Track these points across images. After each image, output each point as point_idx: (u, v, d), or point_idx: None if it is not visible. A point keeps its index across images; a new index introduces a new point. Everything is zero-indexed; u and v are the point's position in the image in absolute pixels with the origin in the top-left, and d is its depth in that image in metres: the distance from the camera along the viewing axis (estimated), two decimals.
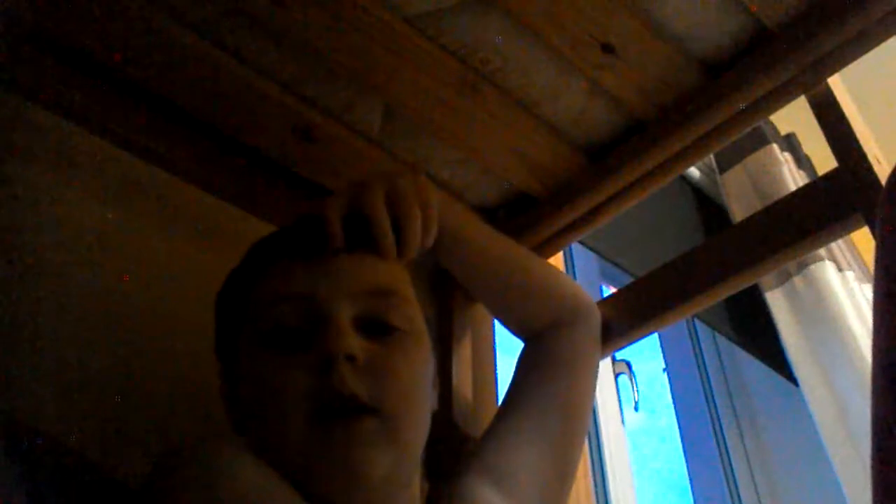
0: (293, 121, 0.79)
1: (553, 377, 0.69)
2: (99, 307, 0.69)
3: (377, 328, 0.56)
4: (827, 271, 1.47)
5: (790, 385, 1.52)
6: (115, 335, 0.69)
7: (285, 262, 0.58)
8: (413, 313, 0.58)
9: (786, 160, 1.63)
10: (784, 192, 1.30)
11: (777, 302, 1.49)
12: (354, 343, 0.53)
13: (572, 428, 0.68)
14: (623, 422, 1.47)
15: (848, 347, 1.37)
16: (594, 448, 1.38)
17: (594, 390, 0.73)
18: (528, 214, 0.90)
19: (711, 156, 1.69)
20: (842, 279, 1.49)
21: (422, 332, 0.59)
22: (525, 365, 0.72)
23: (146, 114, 0.77)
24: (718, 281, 0.72)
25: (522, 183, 0.88)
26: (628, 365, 1.53)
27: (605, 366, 1.51)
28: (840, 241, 1.56)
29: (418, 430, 0.56)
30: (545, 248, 0.90)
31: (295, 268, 0.57)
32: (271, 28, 0.71)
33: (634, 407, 1.49)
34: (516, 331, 0.76)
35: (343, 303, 0.55)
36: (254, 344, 0.56)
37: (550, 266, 0.80)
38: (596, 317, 0.75)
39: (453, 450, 0.76)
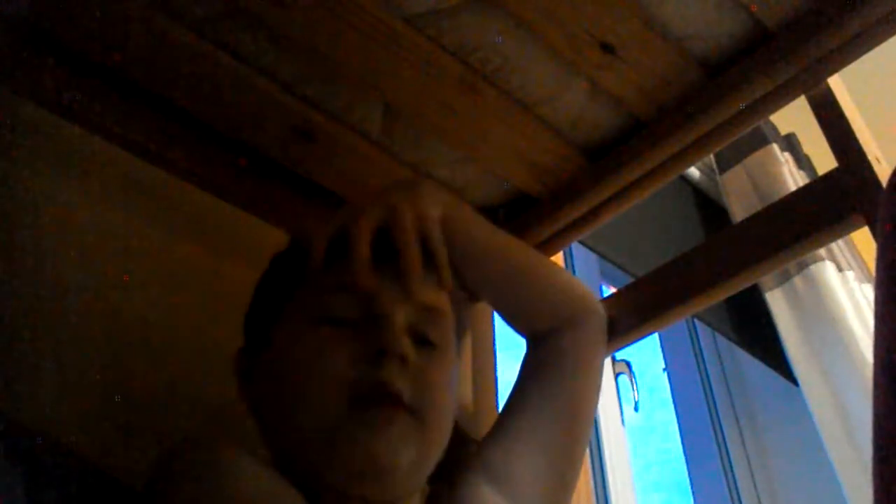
0: (293, 121, 0.79)
1: (557, 378, 0.69)
2: (99, 307, 0.69)
3: (421, 340, 0.59)
4: (827, 271, 1.47)
5: (790, 385, 1.52)
6: (115, 335, 0.69)
7: (350, 257, 0.59)
8: (449, 332, 0.62)
9: (786, 160, 1.63)
10: (784, 192, 1.30)
11: (777, 302, 1.49)
12: (408, 346, 0.56)
13: (575, 430, 0.68)
14: (623, 422, 1.47)
15: (848, 347, 1.37)
16: (594, 448, 1.38)
17: (598, 393, 0.73)
18: (528, 214, 0.90)
19: (711, 156, 1.69)
20: (842, 279, 1.49)
21: (452, 348, 0.62)
22: (529, 366, 0.72)
23: (146, 114, 0.77)
24: (718, 281, 0.72)
25: (522, 183, 0.88)
26: (628, 365, 1.53)
27: (605, 366, 1.51)
28: (840, 241, 1.56)
29: (442, 436, 0.58)
30: (545, 248, 0.90)
31: (363, 268, 0.58)
32: (271, 28, 0.71)
33: (634, 407, 1.49)
34: (521, 330, 0.76)
35: (401, 308, 0.58)
36: (302, 325, 0.57)
37: (556, 265, 0.80)
38: (601, 318, 0.75)
39: (453, 450, 0.76)
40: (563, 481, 0.66)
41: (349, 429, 0.52)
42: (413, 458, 0.53)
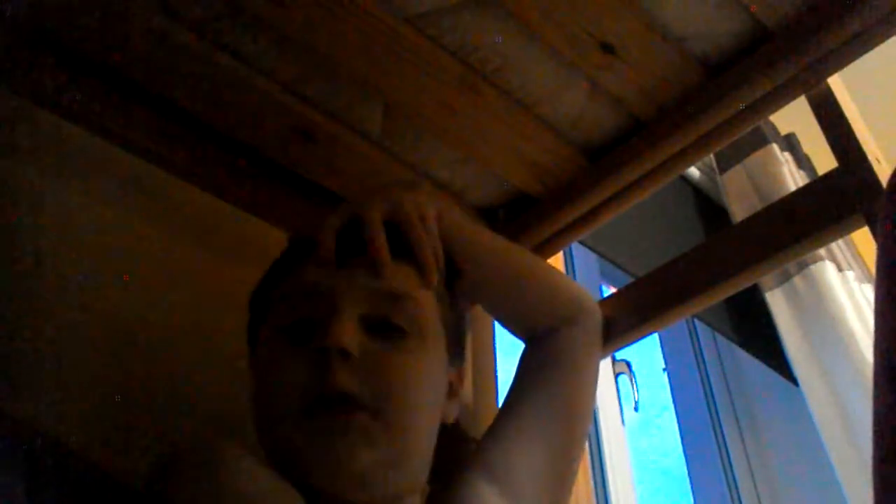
0: (293, 121, 0.79)
1: (554, 378, 0.69)
2: (99, 307, 0.69)
3: (385, 329, 0.57)
4: (827, 271, 1.47)
5: (790, 385, 1.52)
6: (114, 335, 0.69)
7: (310, 262, 0.59)
8: (424, 318, 0.59)
9: (786, 160, 1.63)
10: (784, 192, 1.30)
11: (777, 302, 1.49)
12: (351, 338, 0.54)
13: (573, 429, 0.68)
14: (623, 422, 1.47)
15: (848, 347, 1.37)
16: (594, 448, 1.38)
17: (594, 391, 0.73)
18: (528, 214, 0.90)
19: (711, 156, 1.69)
20: (842, 279, 1.49)
21: (431, 339, 0.59)
22: (526, 366, 0.72)
23: (146, 114, 0.77)
24: (718, 281, 0.72)
25: (522, 183, 0.88)
26: (628, 365, 1.53)
27: (605, 366, 1.51)
28: (840, 241, 1.56)
29: (418, 433, 0.56)
30: (545, 248, 0.90)
31: (318, 268, 0.58)
32: (271, 28, 0.71)
33: (634, 407, 1.49)
34: (517, 332, 0.76)
35: (352, 300, 0.56)
36: (270, 336, 0.58)
37: (551, 267, 0.80)
38: (597, 317, 0.75)
39: (453, 450, 0.76)
40: (562, 480, 0.66)
41: (306, 439, 0.52)
42: (379, 458, 0.52)
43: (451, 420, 0.62)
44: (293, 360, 0.54)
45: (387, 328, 0.57)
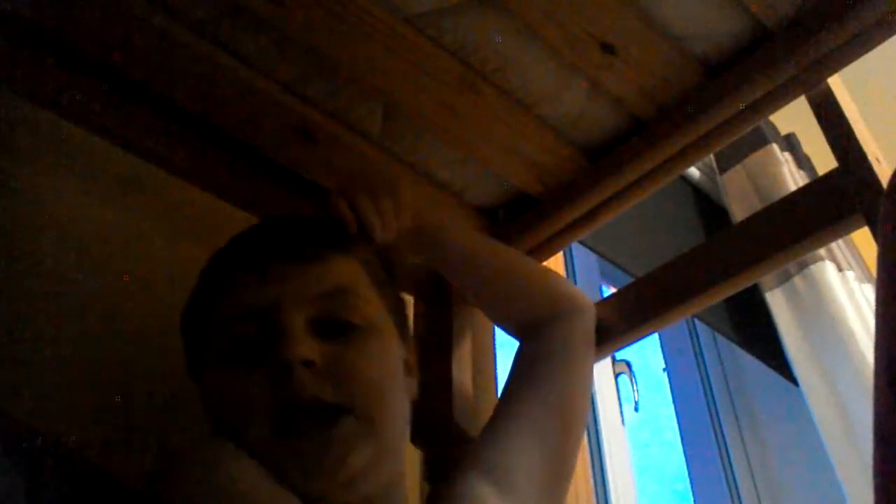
0: (293, 121, 0.79)
1: (548, 374, 0.69)
2: (99, 307, 0.69)
3: (334, 328, 0.56)
4: (827, 271, 1.47)
5: (790, 385, 1.52)
6: (115, 335, 0.69)
7: (237, 277, 0.58)
8: (368, 308, 0.59)
9: (786, 160, 1.63)
10: (784, 192, 1.30)
11: (777, 302, 1.49)
12: (310, 348, 0.53)
13: (568, 426, 0.68)
14: (623, 422, 1.47)
15: (848, 347, 1.37)
16: (594, 448, 1.38)
17: (590, 388, 0.73)
18: (528, 214, 0.90)
19: (711, 156, 1.69)
20: (842, 279, 1.49)
21: (381, 325, 0.59)
22: (520, 363, 0.73)
23: (146, 114, 0.77)
24: (718, 281, 0.72)
25: (522, 183, 0.88)
26: (628, 365, 1.53)
27: (605, 366, 1.51)
28: (840, 241, 1.56)
29: (394, 421, 0.57)
30: (545, 248, 0.90)
31: (247, 282, 0.57)
32: (271, 28, 0.71)
33: (634, 407, 1.49)
34: (511, 330, 0.76)
35: (295, 309, 0.55)
36: (216, 362, 0.56)
37: (542, 266, 0.81)
38: (590, 314, 0.76)
39: (453, 450, 0.76)
40: (559, 477, 0.66)
41: (286, 457, 0.51)
42: (365, 457, 0.52)
43: (415, 397, 0.63)
44: (252, 382, 0.53)
45: (336, 326, 0.56)
